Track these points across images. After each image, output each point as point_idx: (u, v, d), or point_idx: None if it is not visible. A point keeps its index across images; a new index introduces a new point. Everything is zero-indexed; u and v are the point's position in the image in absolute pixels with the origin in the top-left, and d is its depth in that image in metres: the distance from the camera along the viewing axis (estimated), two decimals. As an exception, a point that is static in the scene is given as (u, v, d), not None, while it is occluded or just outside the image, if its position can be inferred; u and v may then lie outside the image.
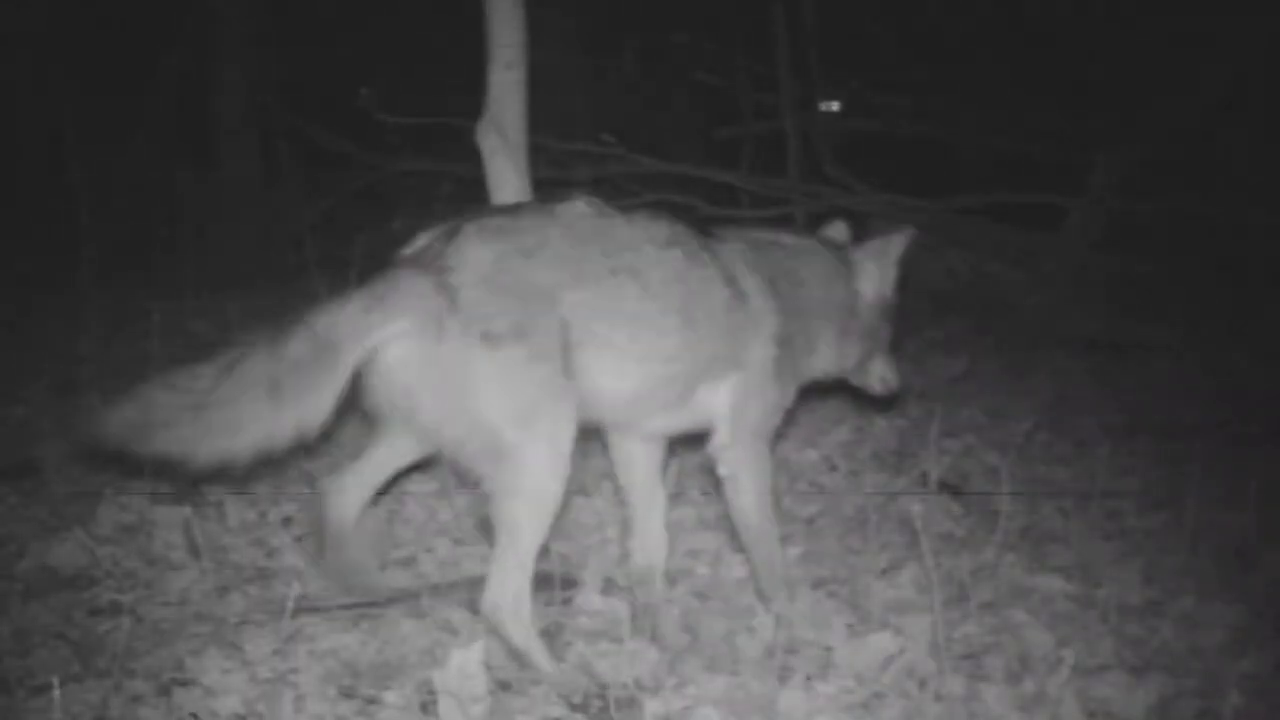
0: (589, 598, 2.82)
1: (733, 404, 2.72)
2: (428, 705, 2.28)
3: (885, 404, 3.72)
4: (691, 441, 2.98)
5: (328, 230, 7.02)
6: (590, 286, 2.46)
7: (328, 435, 2.51)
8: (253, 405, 2.28)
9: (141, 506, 3.16)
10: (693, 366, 2.63)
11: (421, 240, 2.50)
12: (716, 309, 2.65)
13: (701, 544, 3.22)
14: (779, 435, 2.98)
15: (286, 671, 2.40)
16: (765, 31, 6.97)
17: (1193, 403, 4.91)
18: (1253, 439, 4.32)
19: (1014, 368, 5.55)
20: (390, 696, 2.31)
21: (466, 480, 2.63)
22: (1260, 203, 6.15)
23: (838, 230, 3.20)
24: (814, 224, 3.49)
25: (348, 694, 2.34)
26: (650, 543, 2.92)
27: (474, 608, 2.61)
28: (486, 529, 2.76)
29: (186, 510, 3.06)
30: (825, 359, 2.99)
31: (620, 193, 6.31)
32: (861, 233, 3.22)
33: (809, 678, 2.47)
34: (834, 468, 3.97)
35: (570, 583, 2.87)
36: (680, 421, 2.77)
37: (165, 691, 2.31)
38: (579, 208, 2.57)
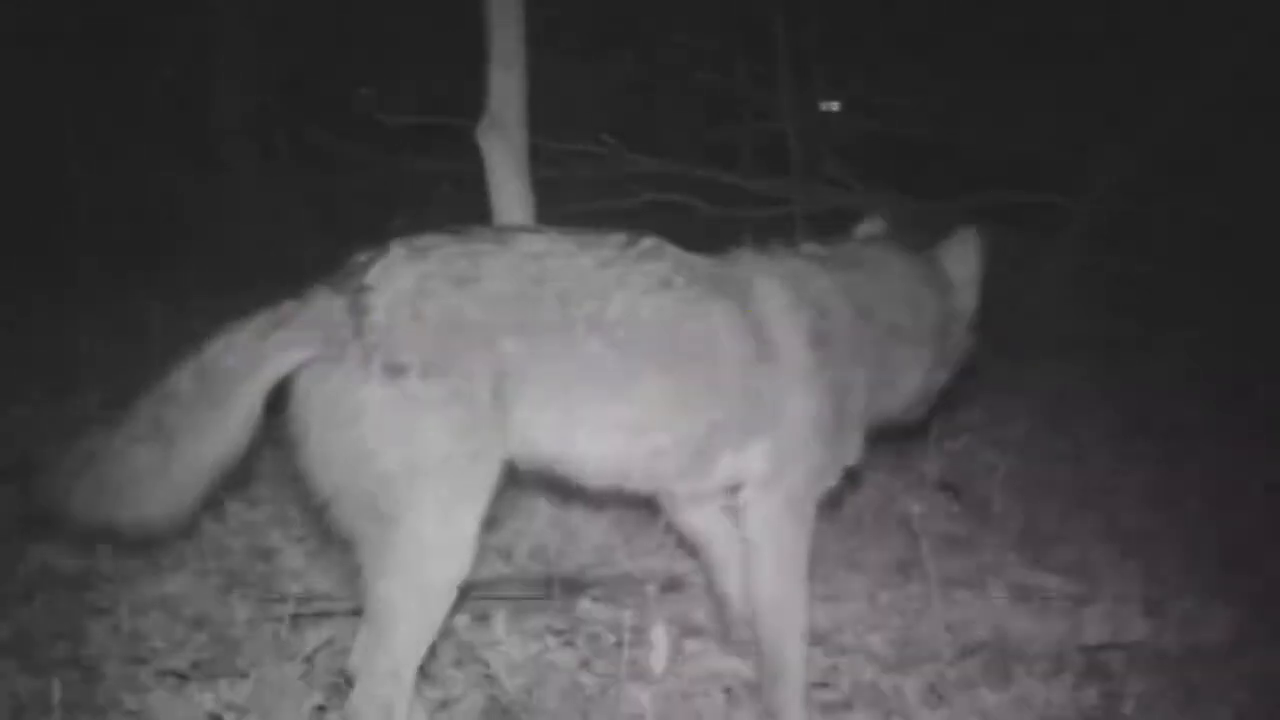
0: (589, 607, 2.80)
1: (768, 470, 2.26)
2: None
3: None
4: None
5: (328, 230, 7.02)
6: (535, 335, 2.05)
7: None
8: (147, 454, 1.97)
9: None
10: (694, 434, 2.19)
11: (359, 259, 2.12)
12: (728, 365, 2.19)
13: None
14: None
15: (287, 671, 2.40)
16: (765, 31, 6.97)
17: (1193, 403, 4.91)
18: (1253, 439, 4.32)
19: (1014, 368, 5.55)
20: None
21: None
22: (1260, 203, 6.15)
23: (875, 227, 2.66)
24: (813, 224, 3.47)
25: (348, 694, 2.33)
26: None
27: (478, 612, 2.60)
28: None
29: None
30: (911, 393, 2.48)
31: (620, 192, 6.32)
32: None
33: None
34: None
35: (573, 586, 2.86)
36: (714, 485, 2.34)
37: (166, 691, 2.30)
38: (542, 240, 2.15)
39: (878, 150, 7.79)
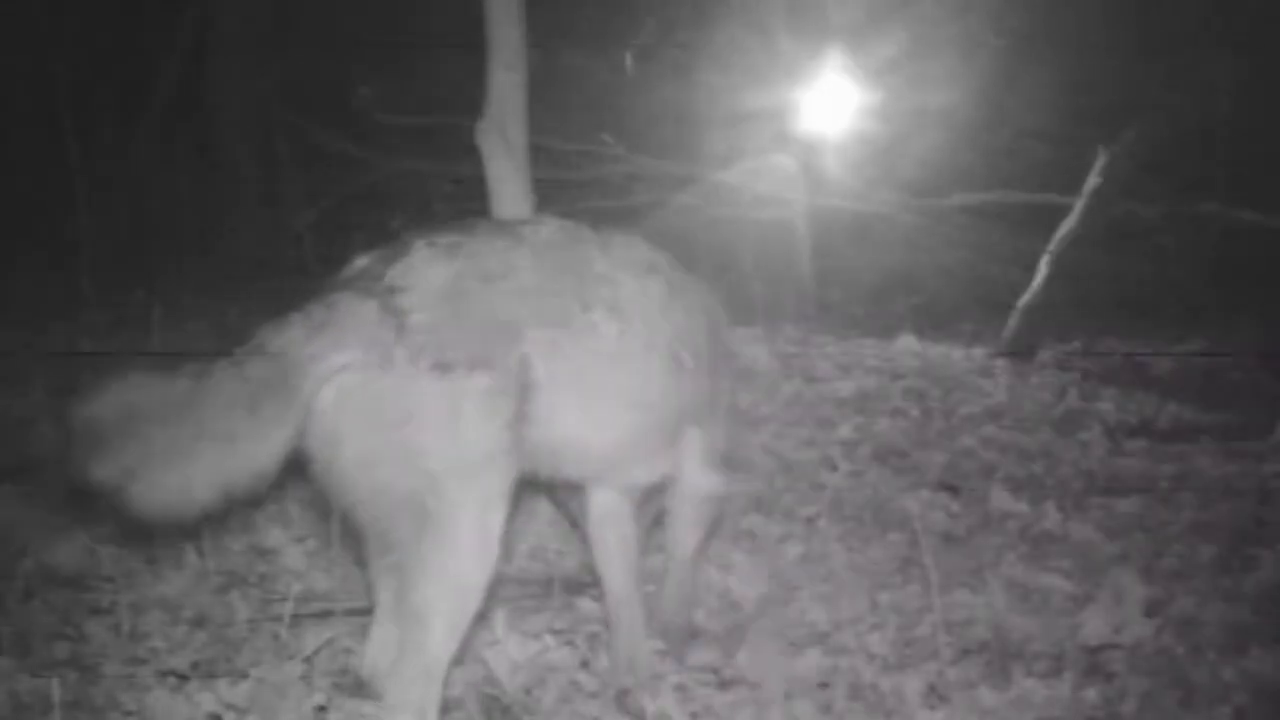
0: (589, 607, 2.80)
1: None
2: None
3: None
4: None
5: (328, 230, 7.03)
6: (560, 324, 2.13)
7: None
8: (238, 418, 1.87)
9: (142, 506, 3.15)
10: (679, 409, 2.38)
11: (361, 262, 2.11)
12: (701, 343, 2.40)
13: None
14: (778, 434, 2.90)
15: (287, 671, 2.40)
16: (764, 32, 6.97)
17: (1192, 403, 4.91)
18: (1252, 439, 4.32)
19: (1014, 368, 5.56)
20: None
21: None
22: (1259, 203, 6.15)
23: None
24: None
25: (349, 694, 2.33)
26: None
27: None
28: None
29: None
30: None
31: (620, 192, 6.32)
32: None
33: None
34: (834, 467, 3.97)
35: (573, 586, 2.86)
36: (659, 470, 2.49)
37: (166, 691, 2.30)
38: (548, 231, 2.25)
39: (878, 150, 7.79)
